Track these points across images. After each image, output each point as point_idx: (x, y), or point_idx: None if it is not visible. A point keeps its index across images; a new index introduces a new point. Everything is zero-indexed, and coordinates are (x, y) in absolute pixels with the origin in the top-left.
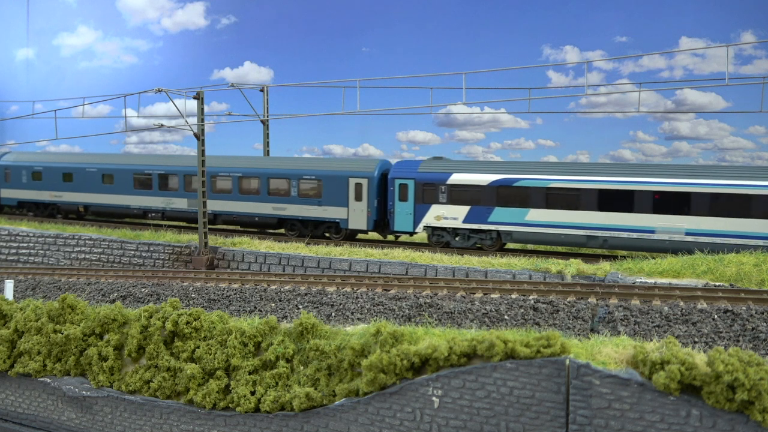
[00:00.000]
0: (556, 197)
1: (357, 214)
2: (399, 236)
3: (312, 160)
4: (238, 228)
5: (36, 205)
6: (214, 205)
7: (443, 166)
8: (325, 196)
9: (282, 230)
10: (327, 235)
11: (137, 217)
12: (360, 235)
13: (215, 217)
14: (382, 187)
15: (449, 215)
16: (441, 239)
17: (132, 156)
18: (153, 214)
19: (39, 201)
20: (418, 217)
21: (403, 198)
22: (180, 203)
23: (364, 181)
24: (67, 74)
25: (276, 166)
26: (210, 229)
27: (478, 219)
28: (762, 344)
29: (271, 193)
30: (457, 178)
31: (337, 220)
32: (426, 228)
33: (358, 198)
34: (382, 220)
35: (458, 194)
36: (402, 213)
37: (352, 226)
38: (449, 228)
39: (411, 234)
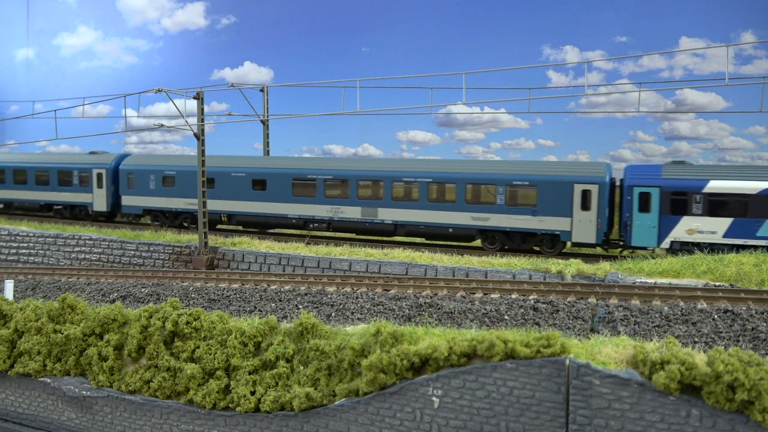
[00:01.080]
0: None
1: (583, 226)
2: (630, 252)
3: (522, 163)
4: (240, 228)
5: (164, 214)
6: (393, 215)
7: (694, 171)
8: (542, 205)
9: (478, 242)
10: (537, 248)
11: (295, 228)
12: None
13: (395, 228)
14: (610, 194)
15: (705, 229)
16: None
17: (287, 159)
18: (316, 225)
19: (170, 209)
20: (663, 231)
21: (644, 208)
22: (351, 212)
23: (594, 188)
24: (67, 74)
25: (477, 170)
26: (389, 241)
27: (743, 233)
28: (762, 344)
29: (470, 201)
30: (716, 185)
31: (557, 232)
32: (673, 243)
33: (585, 207)
34: (609, 233)
35: (718, 204)
36: (643, 226)
37: (576, 238)
38: (704, 243)
39: (653, 250)
